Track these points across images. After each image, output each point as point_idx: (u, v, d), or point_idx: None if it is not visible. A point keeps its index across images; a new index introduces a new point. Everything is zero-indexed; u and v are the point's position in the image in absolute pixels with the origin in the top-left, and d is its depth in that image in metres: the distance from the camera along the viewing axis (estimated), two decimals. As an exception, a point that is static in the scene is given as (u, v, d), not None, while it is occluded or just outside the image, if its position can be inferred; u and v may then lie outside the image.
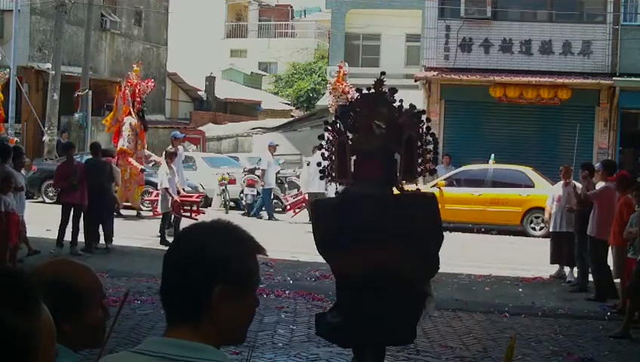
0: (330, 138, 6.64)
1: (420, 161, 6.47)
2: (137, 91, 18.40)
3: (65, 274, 1.96)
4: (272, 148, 20.58)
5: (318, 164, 7.40)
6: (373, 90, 6.57)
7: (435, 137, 6.78)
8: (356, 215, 6.09)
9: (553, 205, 12.50)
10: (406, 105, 6.56)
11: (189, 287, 1.69)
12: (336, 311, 6.30)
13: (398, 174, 6.40)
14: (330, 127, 6.69)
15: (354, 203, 6.24)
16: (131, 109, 18.74)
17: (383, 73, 6.79)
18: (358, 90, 7.11)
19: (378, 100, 6.51)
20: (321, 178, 7.04)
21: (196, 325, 1.69)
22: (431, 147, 6.58)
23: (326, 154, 6.66)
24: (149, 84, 18.82)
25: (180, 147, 16.99)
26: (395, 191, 6.39)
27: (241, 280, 1.72)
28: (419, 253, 6.02)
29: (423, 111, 6.94)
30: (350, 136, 6.50)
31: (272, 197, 20.28)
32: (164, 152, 15.50)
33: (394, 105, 6.47)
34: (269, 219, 19.81)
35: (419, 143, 6.46)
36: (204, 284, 1.68)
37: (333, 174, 6.69)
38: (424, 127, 6.55)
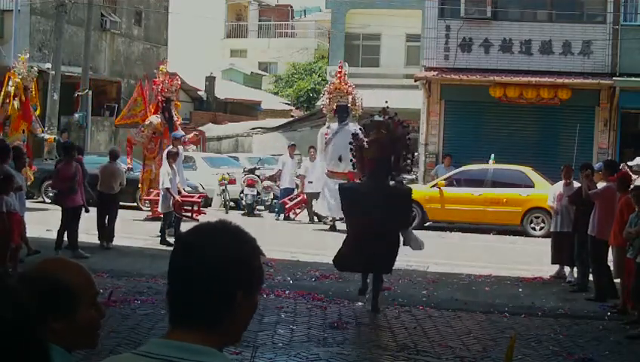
0: (356, 141, 10.59)
1: (404, 163, 10.42)
2: (160, 90, 18.33)
3: (55, 273, 1.95)
4: (291, 148, 20.69)
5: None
6: (380, 116, 10.60)
7: (413, 150, 11.25)
8: (367, 196, 9.96)
9: (554, 204, 12.50)
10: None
11: (209, 292, 1.66)
12: (346, 252, 10.13)
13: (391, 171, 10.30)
14: (354, 139, 10.65)
15: (366, 188, 10.22)
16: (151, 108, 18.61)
17: (385, 108, 10.62)
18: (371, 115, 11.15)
19: (382, 125, 10.38)
20: (353, 167, 11.29)
21: (204, 328, 1.68)
22: (410, 155, 10.66)
23: (354, 153, 10.65)
24: (174, 82, 18.69)
25: (180, 147, 16.99)
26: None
27: (255, 283, 1.74)
28: (397, 218, 10.04)
29: (408, 129, 10.73)
30: (365, 143, 10.33)
31: (289, 196, 20.23)
32: (165, 152, 15.52)
33: (391, 125, 10.29)
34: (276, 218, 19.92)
35: (404, 152, 10.38)
36: (227, 289, 1.67)
37: (358, 166, 10.68)
38: (409, 139, 10.56)
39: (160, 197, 15.14)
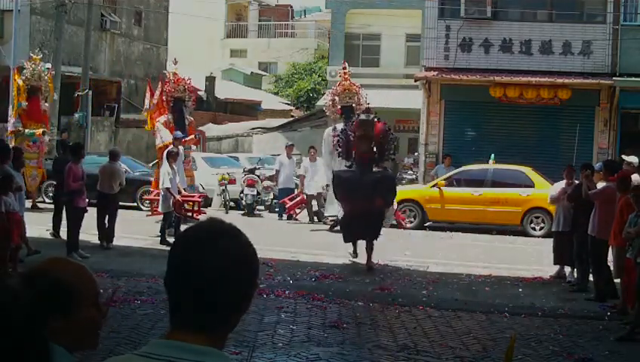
0: (343, 136, 13.61)
1: (386, 154, 13.29)
2: (166, 90, 18.29)
3: (57, 273, 1.95)
4: (289, 148, 20.66)
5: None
6: (365, 115, 13.61)
7: (395, 142, 14.22)
8: (356, 180, 12.84)
9: (557, 204, 12.49)
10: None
11: (211, 294, 1.65)
12: (345, 226, 13.50)
13: (375, 161, 13.19)
14: (342, 130, 14.07)
15: (355, 174, 13.01)
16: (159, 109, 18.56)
17: (368, 108, 14.41)
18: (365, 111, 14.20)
19: (368, 123, 13.30)
20: (338, 155, 14.06)
21: (205, 328, 1.67)
22: (392, 146, 13.58)
23: (340, 142, 13.66)
24: (180, 82, 18.65)
25: (181, 147, 17.00)
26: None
27: (254, 283, 1.74)
28: (381, 199, 12.79)
29: (388, 125, 13.86)
30: (352, 136, 13.38)
31: (288, 197, 20.17)
32: (165, 152, 15.52)
33: (375, 122, 13.34)
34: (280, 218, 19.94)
35: (386, 146, 13.25)
36: (228, 291, 1.66)
37: (344, 155, 13.50)
38: (390, 134, 13.58)
39: (160, 197, 15.14)
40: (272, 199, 21.46)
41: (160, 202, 15.14)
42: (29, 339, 1.49)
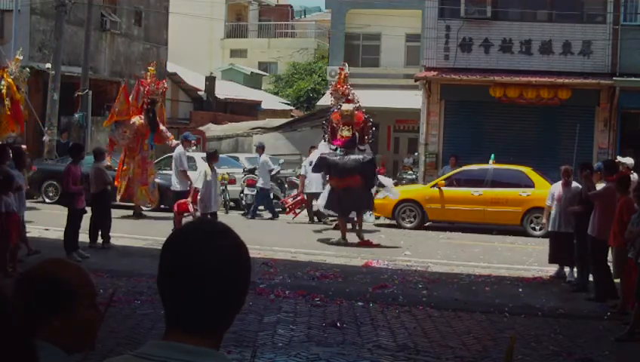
0: (327, 123, 16.21)
1: (365, 138, 15.82)
2: (146, 92, 18.36)
3: (55, 273, 1.95)
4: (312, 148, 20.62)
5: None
6: (347, 105, 15.96)
7: (374, 129, 16.69)
8: (339, 160, 15.23)
9: (554, 204, 12.46)
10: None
11: (209, 296, 1.64)
12: (331, 200, 15.54)
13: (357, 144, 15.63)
14: (326, 121, 16.46)
15: (338, 156, 15.35)
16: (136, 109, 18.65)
17: (348, 100, 16.33)
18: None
19: (349, 113, 15.73)
20: (323, 139, 16.31)
21: (203, 329, 1.66)
22: (371, 132, 16.19)
23: (325, 128, 16.25)
24: (160, 85, 18.74)
25: (180, 147, 17.05)
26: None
27: (249, 283, 1.74)
28: (365, 177, 15.30)
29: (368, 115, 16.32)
30: (335, 123, 15.87)
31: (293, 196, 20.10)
32: (206, 154, 15.47)
33: (355, 113, 15.85)
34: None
35: (366, 131, 15.86)
36: (226, 292, 1.66)
37: (329, 139, 15.90)
38: (369, 121, 16.14)
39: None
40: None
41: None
42: (6, 340, 1.48)
